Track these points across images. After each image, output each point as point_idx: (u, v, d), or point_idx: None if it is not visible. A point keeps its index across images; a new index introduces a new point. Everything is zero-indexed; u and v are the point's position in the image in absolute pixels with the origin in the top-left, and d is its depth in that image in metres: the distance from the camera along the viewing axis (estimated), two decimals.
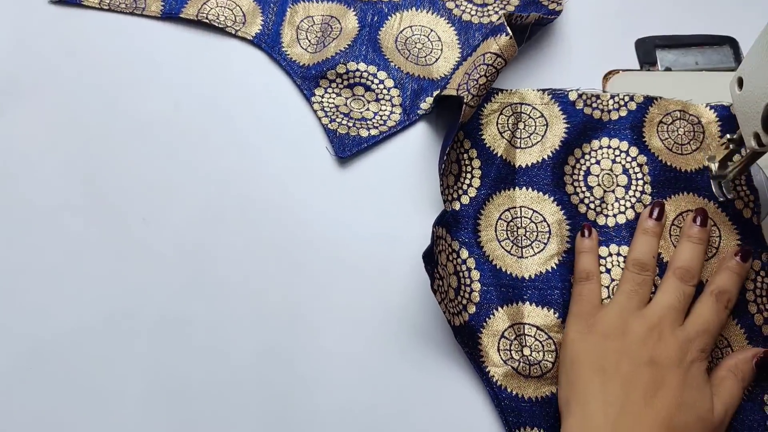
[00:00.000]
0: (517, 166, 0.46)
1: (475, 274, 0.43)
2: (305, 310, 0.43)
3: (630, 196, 0.45)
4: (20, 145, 0.48)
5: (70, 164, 0.47)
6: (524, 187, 0.45)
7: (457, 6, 0.54)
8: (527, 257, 0.43)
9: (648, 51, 0.52)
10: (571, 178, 0.45)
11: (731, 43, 0.51)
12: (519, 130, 0.47)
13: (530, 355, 0.41)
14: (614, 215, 0.44)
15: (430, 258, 0.39)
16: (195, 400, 0.41)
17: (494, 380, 0.40)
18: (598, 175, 0.45)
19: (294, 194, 0.47)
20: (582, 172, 0.45)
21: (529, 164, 0.46)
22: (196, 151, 0.48)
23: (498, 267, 0.43)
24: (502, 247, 0.44)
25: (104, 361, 0.42)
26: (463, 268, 0.43)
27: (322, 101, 0.49)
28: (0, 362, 0.42)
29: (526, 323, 0.41)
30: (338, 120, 0.48)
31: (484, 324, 0.41)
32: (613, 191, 0.45)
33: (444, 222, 0.43)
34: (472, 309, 0.42)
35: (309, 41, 0.52)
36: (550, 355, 0.41)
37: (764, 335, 0.41)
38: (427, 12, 0.53)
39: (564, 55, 0.52)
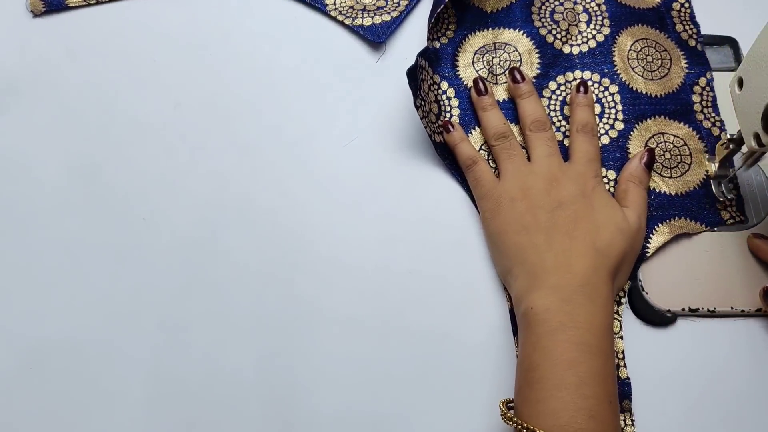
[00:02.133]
0: (489, 12, 0.51)
1: (455, 102, 0.49)
2: (305, 310, 0.43)
3: (591, 29, 0.51)
4: (20, 145, 0.48)
5: (70, 164, 0.47)
6: (497, 27, 0.51)
7: None
8: (501, 84, 0.49)
9: None
10: (538, 16, 0.51)
11: (731, 43, 0.51)
12: None
13: None
14: (578, 44, 0.50)
15: (413, 77, 0.44)
16: (195, 402, 0.41)
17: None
18: (562, 13, 0.51)
19: (294, 195, 0.47)
20: (548, 11, 0.51)
21: (499, 8, 0.51)
22: (196, 151, 0.48)
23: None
24: (478, 74, 0.49)
25: (104, 362, 0.42)
26: (443, 97, 0.49)
27: (335, 4, 0.51)
28: (0, 363, 0.42)
29: None
30: (358, 17, 0.51)
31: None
32: (576, 25, 0.50)
33: (427, 55, 0.48)
34: (450, 128, 0.47)
35: None
36: None
37: (714, 136, 0.48)
38: None
39: None
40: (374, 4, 0.51)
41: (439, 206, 0.46)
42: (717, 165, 0.46)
